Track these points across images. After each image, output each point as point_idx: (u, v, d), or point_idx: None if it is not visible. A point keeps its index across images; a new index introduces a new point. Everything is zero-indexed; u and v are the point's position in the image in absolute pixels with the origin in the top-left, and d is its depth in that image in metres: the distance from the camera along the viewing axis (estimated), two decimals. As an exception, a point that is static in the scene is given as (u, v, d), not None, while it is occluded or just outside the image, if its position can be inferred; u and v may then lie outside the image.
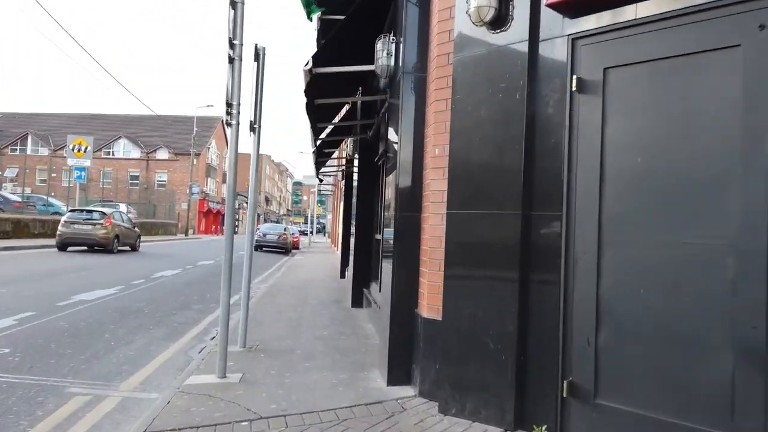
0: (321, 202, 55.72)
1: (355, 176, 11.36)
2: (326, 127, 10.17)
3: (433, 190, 4.53)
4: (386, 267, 5.34)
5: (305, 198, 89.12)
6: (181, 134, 57.20)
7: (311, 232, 47.33)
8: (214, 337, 7.04)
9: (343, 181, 15.96)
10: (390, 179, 5.52)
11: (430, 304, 4.47)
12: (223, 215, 69.63)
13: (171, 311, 9.15)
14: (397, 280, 4.83)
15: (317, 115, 8.30)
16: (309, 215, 46.77)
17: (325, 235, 66.25)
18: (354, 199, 10.78)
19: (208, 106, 60.49)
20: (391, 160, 5.46)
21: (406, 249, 4.84)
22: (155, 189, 55.99)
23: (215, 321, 8.61)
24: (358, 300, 10.00)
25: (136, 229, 23.12)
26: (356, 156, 11.00)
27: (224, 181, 69.10)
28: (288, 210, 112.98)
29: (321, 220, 70.78)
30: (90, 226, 19.26)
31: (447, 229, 4.13)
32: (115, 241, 20.07)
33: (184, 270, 16.14)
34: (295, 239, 36.17)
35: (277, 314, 8.90)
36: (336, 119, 10.94)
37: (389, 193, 5.56)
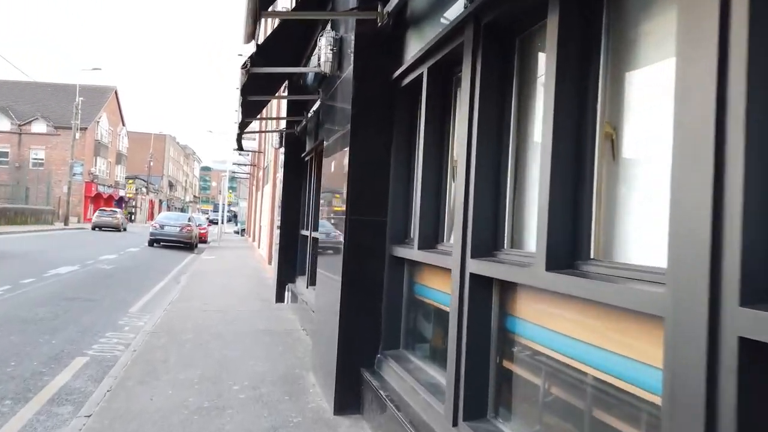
0: (233, 188, 48.68)
1: (326, 125, 5.74)
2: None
3: None
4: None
5: (214, 184, 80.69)
6: (63, 104, 47.66)
7: (222, 222, 40.37)
8: None
9: (283, 148, 10.18)
10: None
11: None
12: (117, 200, 60.09)
13: None
14: None
15: None
16: (220, 203, 39.76)
17: (237, 225, 58.72)
18: (329, 171, 5.17)
19: (94, 69, 45.29)
20: None
21: None
22: (30, 168, 46.65)
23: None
24: (350, 394, 4.44)
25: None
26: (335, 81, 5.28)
27: (118, 162, 59.85)
28: (195, 197, 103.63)
29: (232, 208, 63.35)
30: (110, 218, 37.08)
31: None
32: (122, 225, 37.67)
33: (17, 286, 9.76)
34: (202, 231, 29.76)
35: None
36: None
37: None
